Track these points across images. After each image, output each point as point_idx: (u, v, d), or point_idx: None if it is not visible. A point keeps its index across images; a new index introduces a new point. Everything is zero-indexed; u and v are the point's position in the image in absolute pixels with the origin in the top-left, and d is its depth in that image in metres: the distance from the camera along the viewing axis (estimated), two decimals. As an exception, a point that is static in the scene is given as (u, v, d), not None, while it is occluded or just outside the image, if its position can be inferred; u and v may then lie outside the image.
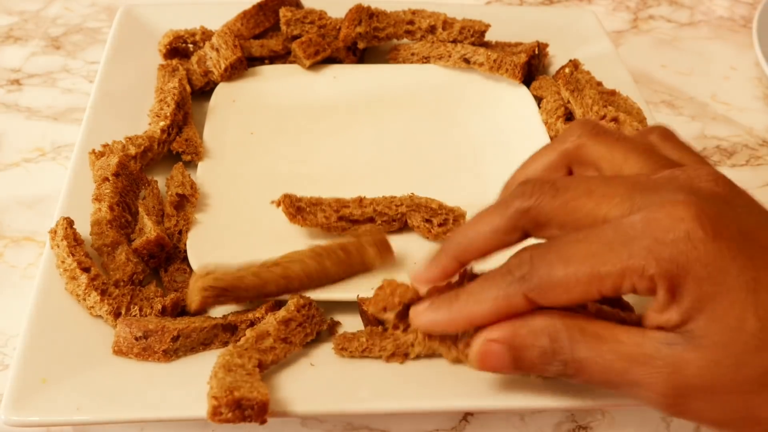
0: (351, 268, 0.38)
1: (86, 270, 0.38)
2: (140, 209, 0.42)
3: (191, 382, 0.35)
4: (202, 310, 0.38)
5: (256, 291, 0.37)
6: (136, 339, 0.36)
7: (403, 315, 0.35)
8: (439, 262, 0.33)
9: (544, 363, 0.29)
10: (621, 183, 0.29)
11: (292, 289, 0.38)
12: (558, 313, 0.29)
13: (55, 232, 0.39)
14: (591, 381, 0.29)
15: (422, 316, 0.33)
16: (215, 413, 0.32)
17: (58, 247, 0.39)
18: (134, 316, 0.38)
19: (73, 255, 0.38)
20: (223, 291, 0.36)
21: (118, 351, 0.36)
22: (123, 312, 0.38)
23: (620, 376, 0.28)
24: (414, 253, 0.42)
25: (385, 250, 0.39)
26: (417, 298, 0.34)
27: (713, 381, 0.27)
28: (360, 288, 0.39)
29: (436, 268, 0.33)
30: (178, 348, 0.36)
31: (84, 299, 0.38)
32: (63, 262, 0.38)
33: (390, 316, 0.35)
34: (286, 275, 0.37)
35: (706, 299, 0.26)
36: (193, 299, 0.36)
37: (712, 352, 0.26)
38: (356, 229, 0.43)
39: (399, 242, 0.43)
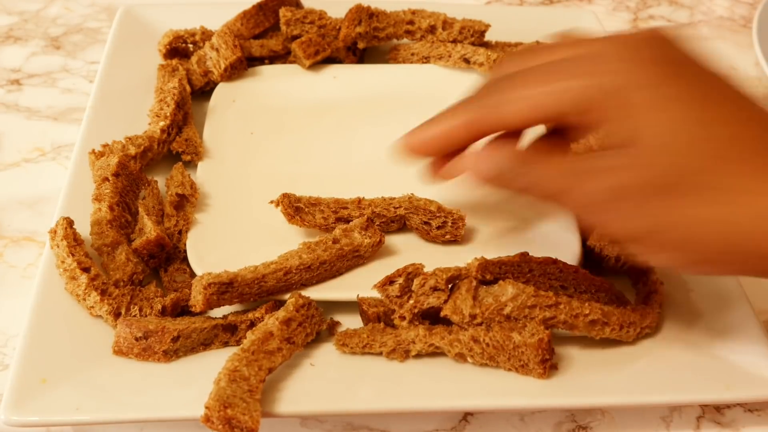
0: (342, 251, 0.40)
1: (86, 270, 0.38)
2: (140, 209, 0.42)
3: (191, 382, 0.35)
4: (206, 310, 0.38)
5: (257, 286, 0.38)
6: (137, 339, 0.36)
7: (407, 288, 0.37)
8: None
9: (510, 179, 0.34)
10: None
11: (293, 283, 0.39)
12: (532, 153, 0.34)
13: (55, 232, 0.39)
14: (539, 198, 0.34)
15: (408, 135, 0.37)
16: (207, 420, 0.33)
17: (58, 247, 0.39)
18: (134, 316, 0.38)
19: (72, 255, 0.38)
20: (225, 286, 0.37)
21: (118, 351, 0.36)
22: (123, 312, 0.38)
23: (566, 193, 0.32)
24: (412, 252, 0.42)
25: (370, 229, 0.41)
26: (421, 271, 0.37)
27: (645, 184, 0.31)
28: (360, 288, 0.39)
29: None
30: (178, 348, 0.37)
31: (84, 299, 0.38)
32: (63, 262, 0.38)
33: (394, 288, 0.37)
34: (284, 268, 0.38)
35: (649, 109, 0.31)
36: (197, 299, 0.36)
37: (649, 160, 0.31)
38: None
39: (398, 241, 0.43)
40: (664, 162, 0.30)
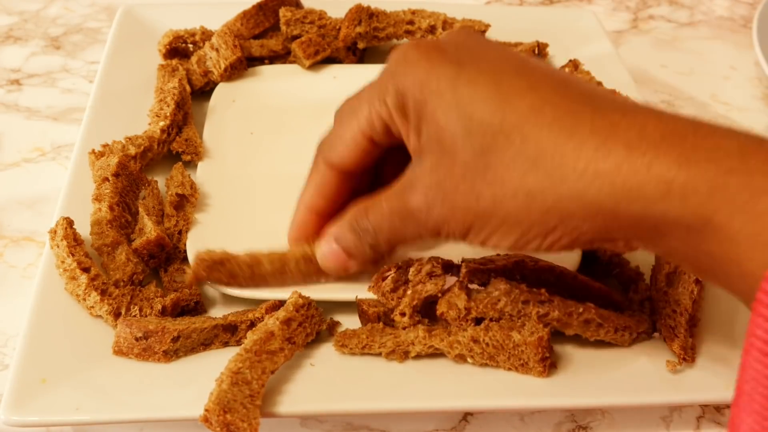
0: None
1: (86, 270, 0.38)
2: (140, 209, 0.42)
3: (191, 382, 0.35)
4: (196, 282, 0.38)
5: (249, 269, 0.38)
6: (137, 339, 0.36)
7: (400, 280, 0.37)
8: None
9: (363, 245, 0.36)
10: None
11: (289, 272, 0.39)
12: (358, 207, 0.36)
13: (55, 232, 0.39)
14: (393, 239, 0.35)
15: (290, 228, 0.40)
16: (205, 420, 0.33)
17: (58, 247, 0.39)
18: (134, 316, 0.38)
19: (72, 255, 0.38)
20: (216, 263, 0.37)
21: (118, 351, 0.36)
22: (123, 312, 0.38)
23: (401, 214, 0.33)
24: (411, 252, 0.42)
25: None
26: (413, 261, 0.37)
27: (440, 183, 0.31)
28: (359, 288, 0.39)
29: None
30: (178, 348, 0.37)
31: (84, 299, 0.38)
32: (63, 262, 0.38)
33: (387, 283, 0.37)
34: (280, 256, 0.39)
35: (421, 105, 0.32)
36: (188, 273, 0.37)
37: (433, 160, 0.31)
38: None
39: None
40: (465, 145, 0.30)
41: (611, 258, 0.42)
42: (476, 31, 0.34)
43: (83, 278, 0.38)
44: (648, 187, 0.27)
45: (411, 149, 0.33)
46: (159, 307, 0.38)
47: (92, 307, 0.38)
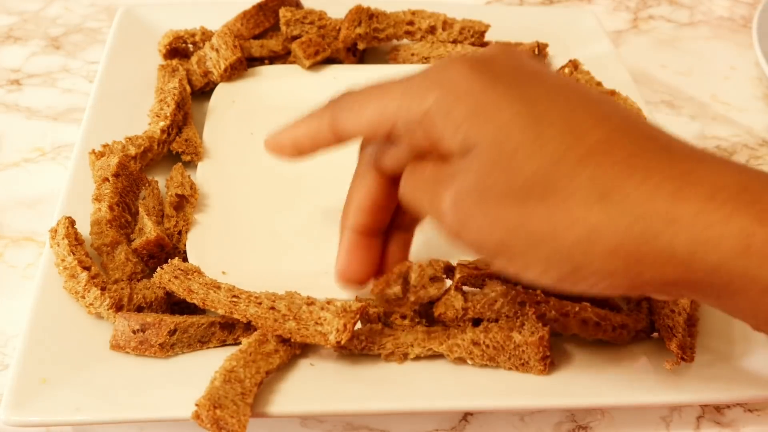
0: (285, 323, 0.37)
1: (87, 269, 0.38)
2: (140, 209, 0.42)
3: (191, 382, 0.35)
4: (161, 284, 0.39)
5: (202, 300, 0.37)
6: (134, 332, 0.36)
7: (406, 288, 0.36)
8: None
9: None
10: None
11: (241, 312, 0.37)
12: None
13: (56, 231, 0.39)
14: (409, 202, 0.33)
15: (274, 134, 0.38)
16: (197, 417, 0.33)
17: (59, 245, 0.39)
18: (137, 306, 0.38)
19: (73, 254, 0.38)
20: (182, 272, 0.38)
21: (116, 345, 0.36)
22: (125, 304, 0.38)
23: (425, 198, 0.32)
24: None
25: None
26: (412, 268, 0.36)
27: (487, 189, 0.29)
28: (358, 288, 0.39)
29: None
30: (174, 343, 0.36)
31: (83, 296, 0.38)
32: (63, 260, 0.38)
33: (396, 290, 0.36)
34: (237, 292, 0.38)
35: (475, 114, 0.29)
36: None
37: (485, 162, 0.29)
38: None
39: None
40: (528, 159, 0.28)
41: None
42: (525, 51, 0.33)
43: (83, 275, 0.38)
44: (727, 241, 0.26)
45: (451, 148, 0.30)
46: (161, 293, 0.39)
47: (91, 303, 0.37)
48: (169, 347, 0.36)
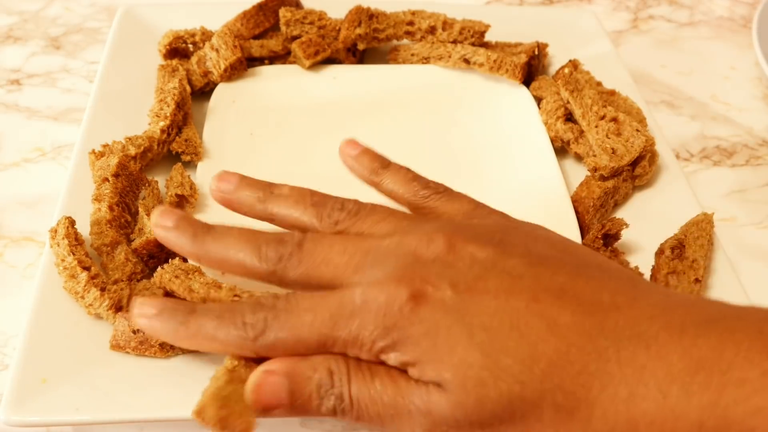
0: None
1: (87, 269, 0.38)
2: (140, 209, 0.42)
3: (191, 383, 0.35)
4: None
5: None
6: (134, 332, 0.36)
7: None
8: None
9: (320, 396, 0.30)
10: (354, 251, 0.31)
11: None
12: (342, 346, 0.30)
13: (56, 231, 0.39)
14: (362, 418, 0.30)
15: (147, 320, 0.32)
16: (199, 414, 0.32)
17: (59, 245, 0.39)
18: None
19: (73, 254, 0.38)
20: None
21: (116, 345, 0.36)
22: (124, 306, 0.38)
23: (388, 414, 0.29)
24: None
25: None
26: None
27: (464, 420, 0.28)
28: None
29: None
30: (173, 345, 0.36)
31: (83, 297, 0.38)
32: (63, 260, 0.38)
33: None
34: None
35: (431, 352, 0.28)
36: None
37: (455, 395, 0.28)
38: None
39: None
40: (472, 400, 0.28)
41: (610, 258, 0.42)
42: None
43: (83, 276, 0.38)
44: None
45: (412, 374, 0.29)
46: (161, 293, 0.38)
47: (91, 304, 0.38)
48: (169, 347, 0.36)
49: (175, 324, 0.31)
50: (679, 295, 0.31)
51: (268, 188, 0.35)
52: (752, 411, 0.25)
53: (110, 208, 0.41)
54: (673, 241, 0.42)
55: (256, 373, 0.30)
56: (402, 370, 0.30)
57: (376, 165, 0.38)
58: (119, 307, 0.38)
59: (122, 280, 0.39)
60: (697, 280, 0.40)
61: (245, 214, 0.36)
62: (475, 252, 0.30)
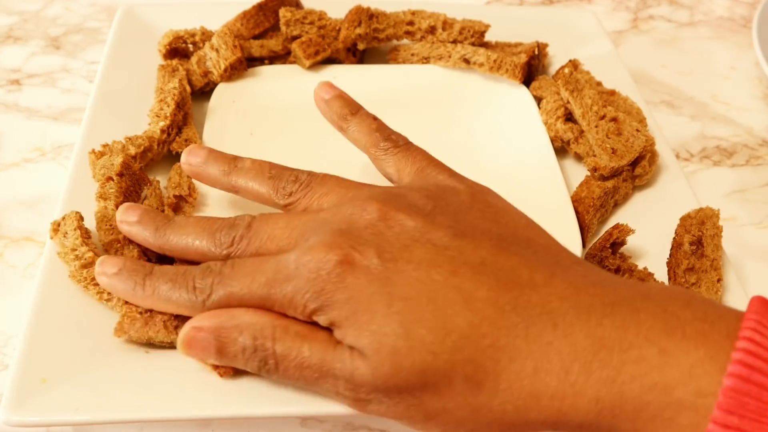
0: None
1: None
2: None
3: (191, 383, 0.35)
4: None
5: None
6: (140, 314, 0.36)
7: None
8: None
9: (246, 358, 0.32)
10: (296, 225, 0.33)
11: None
12: (267, 312, 0.32)
13: (59, 223, 0.39)
14: (288, 378, 0.31)
15: (107, 278, 0.35)
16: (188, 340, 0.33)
17: (66, 235, 0.39)
18: None
19: (86, 245, 0.38)
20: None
21: (120, 330, 0.36)
22: None
23: (313, 376, 0.31)
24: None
25: None
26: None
27: (381, 386, 0.29)
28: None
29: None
30: (178, 324, 0.36)
31: (95, 285, 0.38)
32: (74, 250, 0.38)
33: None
34: None
35: (352, 318, 0.30)
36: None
37: (374, 360, 0.29)
38: None
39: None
40: (389, 368, 0.29)
41: (619, 266, 0.42)
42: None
43: None
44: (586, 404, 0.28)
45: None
46: None
47: (103, 291, 0.37)
48: (173, 327, 0.36)
49: (132, 284, 0.34)
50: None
51: (232, 162, 0.38)
52: (648, 387, 0.27)
53: (117, 206, 0.41)
54: (690, 236, 0.42)
55: (186, 328, 0.32)
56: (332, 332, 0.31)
57: (345, 111, 0.41)
58: None
59: None
60: (719, 281, 0.40)
61: (213, 186, 0.38)
62: (404, 221, 0.32)
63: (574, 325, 0.28)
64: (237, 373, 0.35)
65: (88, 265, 0.38)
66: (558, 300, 0.29)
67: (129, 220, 0.37)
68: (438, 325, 0.29)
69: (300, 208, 0.36)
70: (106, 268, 0.35)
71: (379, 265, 0.30)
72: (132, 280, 0.34)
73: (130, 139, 0.46)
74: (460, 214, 0.33)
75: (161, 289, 0.34)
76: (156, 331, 0.36)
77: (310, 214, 0.34)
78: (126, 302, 0.37)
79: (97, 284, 0.38)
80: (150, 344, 0.37)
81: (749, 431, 0.25)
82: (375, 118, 0.40)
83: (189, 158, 0.39)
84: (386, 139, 0.39)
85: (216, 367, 0.35)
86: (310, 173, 0.37)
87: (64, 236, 0.39)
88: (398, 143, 0.39)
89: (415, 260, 0.30)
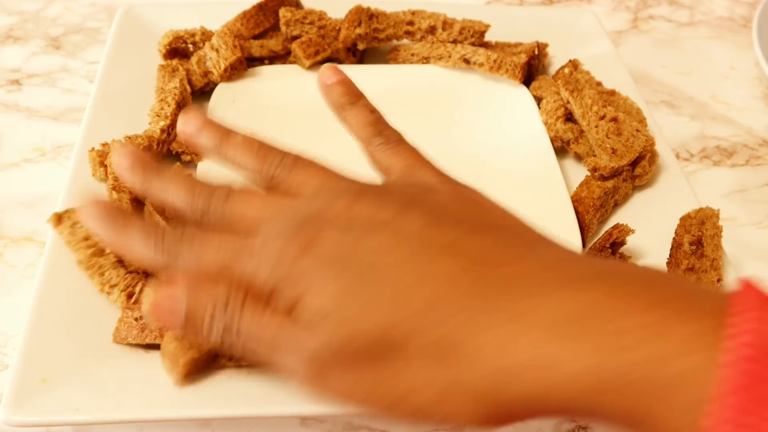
0: None
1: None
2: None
3: (191, 382, 0.35)
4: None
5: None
6: (136, 320, 0.36)
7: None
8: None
9: (211, 326, 0.31)
10: (267, 208, 0.34)
11: None
12: (237, 282, 0.32)
13: (61, 216, 0.40)
14: (247, 350, 0.31)
15: (90, 219, 0.34)
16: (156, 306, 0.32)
17: (75, 226, 0.39)
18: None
19: (96, 236, 0.39)
20: (204, 360, 0.36)
21: (117, 337, 0.37)
22: (136, 293, 0.38)
23: (270, 348, 0.31)
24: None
25: None
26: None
27: (332, 360, 0.29)
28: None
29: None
30: None
31: (102, 274, 0.38)
32: (86, 239, 0.39)
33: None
34: None
35: (308, 295, 0.30)
36: (175, 371, 0.36)
37: (326, 336, 0.29)
38: None
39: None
40: (346, 332, 0.29)
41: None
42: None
43: (111, 255, 0.39)
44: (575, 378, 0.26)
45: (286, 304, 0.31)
46: None
47: (106, 282, 0.38)
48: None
49: (110, 229, 0.34)
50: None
51: (225, 135, 0.38)
52: (631, 363, 0.25)
53: (131, 200, 0.42)
54: (690, 236, 0.42)
55: (158, 293, 0.32)
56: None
57: (344, 100, 0.40)
58: (131, 294, 0.38)
59: (138, 273, 0.39)
60: (719, 281, 0.40)
61: (205, 155, 0.39)
62: (376, 212, 0.32)
63: (547, 296, 0.27)
64: (203, 377, 0.35)
65: (99, 253, 0.39)
66: (525, 276, 0.28)
67: (122, 164, 0.36)
68: (393, 300, 0.29)
69: (280, 190, 0.36)
70: (89, 210, 0.35)
71: (341, 248, 0.30)
72: (111, 225, 0.34)
73: (130, 138, 0.46)
74: (438, 210, 0.32)
75: (134, 240, 0.34)
76: (153, 338, 0.36)
77: (286, 199, 0.34)
78: (123, 307, 0.37)
79: (102, 274, 0.38)
80: (150, 345, 0.37)
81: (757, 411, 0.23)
82: (372, 111, 0.40)
83: (184, 127, 0.39)
84: (378, 135, 0.39)
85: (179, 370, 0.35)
86: (296, 157, 0.37)
87: (73, 226, 0.39)
88: (390, 140, 0.39)
89: (377, 243, 0.30)
